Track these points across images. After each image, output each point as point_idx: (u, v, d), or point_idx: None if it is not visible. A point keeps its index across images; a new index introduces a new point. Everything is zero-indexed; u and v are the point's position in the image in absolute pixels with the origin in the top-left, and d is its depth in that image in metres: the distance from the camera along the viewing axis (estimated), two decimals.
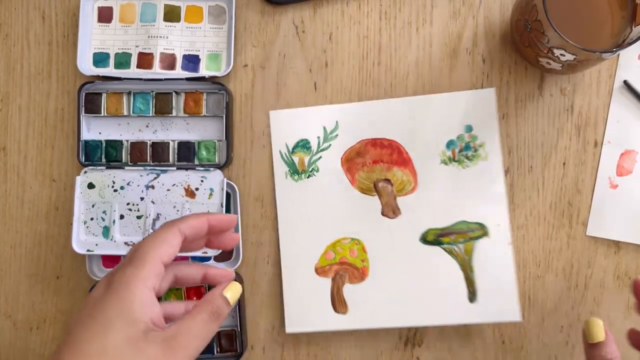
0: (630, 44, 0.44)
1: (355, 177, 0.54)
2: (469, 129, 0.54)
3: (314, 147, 0.54)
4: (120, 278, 0.37)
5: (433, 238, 0.54)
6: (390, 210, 0.54)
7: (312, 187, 0.54)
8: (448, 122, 0.54)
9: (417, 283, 0.53)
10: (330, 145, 0.54)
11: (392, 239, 0.54)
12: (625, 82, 0.54)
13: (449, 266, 0.53)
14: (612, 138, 0.54)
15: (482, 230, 0.53)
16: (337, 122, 0.54)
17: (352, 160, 0.54)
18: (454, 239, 0.53)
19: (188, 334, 0.38)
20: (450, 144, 0.54)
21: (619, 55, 0.54)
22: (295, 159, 0.54)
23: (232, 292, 0.41)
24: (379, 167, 0.54)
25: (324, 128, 0.54)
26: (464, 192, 0.53)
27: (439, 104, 0.54)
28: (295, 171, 0.54)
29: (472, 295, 0.53)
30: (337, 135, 0.54)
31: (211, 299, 0.40)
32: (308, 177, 0.54)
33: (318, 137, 0.54)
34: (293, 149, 0.54)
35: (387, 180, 0.54)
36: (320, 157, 0.54)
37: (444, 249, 0.54)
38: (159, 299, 0.53)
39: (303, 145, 0.54)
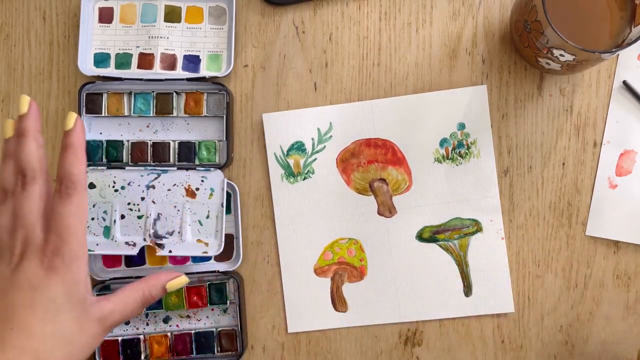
0: (629, 44, 0.45)
1: (351, 178, 0.54)
2: (461, 126, 0.54)
3: (309, 149, 0.54)
4: (60, 262, 0.38)
5: (429, 235, 0.54)
6: (387, 210, 0.54)
7: (308, 189, 0.54)
8: (441, 120, 0.54)
9: (415, 280, 0.54)
10: (324, 146, 0.54)
11: (389, 237, 0.54)
12: (624, 82, 0.54)
13: (444, 262, 0.54)
14: (611, 138, 0.54)
15: (476, 226, 0.54)
16: (330, 123, 0.54)
17: (347, 161, 0.54)
18: (449, 235, 0.54)
19: (120, 313, 0.41)
20: (443, 142, 0.54)
21: (618, 55, 0.54)
22: (291, 161, 0.54)
23: (176, 284, 0.44)
24: (373, 167, 0.54)
25: (318, 129, 0.54)
26: (458, 189, 0.54)
27: (431, 102, 0.54)
28: (291, 174, 0.54)
29: (467, 290, 0.54)
30: (331, 136, 0.54)
31: (152, 283, 0.43)
32: (304, 179, 0.54)
33: (312, 139, 0.54)
34: (288, 151, 0.54)
35: (383, 180, 0.54)
36: (315, 158, 0.54)
37: (440, 246, 0.54)
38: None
39: (298, 147, 0.54)
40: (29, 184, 0.40)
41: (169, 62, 0.54)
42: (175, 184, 0.53)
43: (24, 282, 0.38)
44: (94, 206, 0.53)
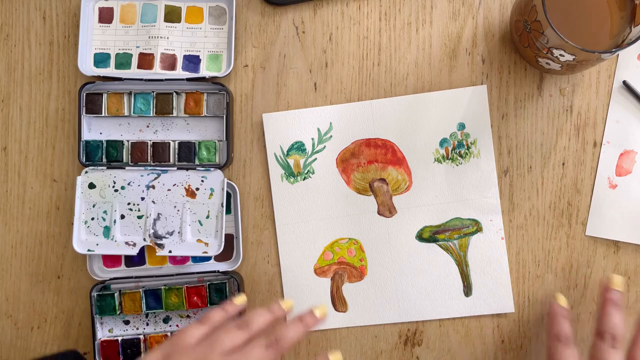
0: (629, 44, 0.45)
1: (351, 178, 0.54)
2: (461, 126, 0.54)
3: (309, 149, 0.54)
4: None
5: (429, 235, 0.54)
6: (387, 210, 0.54)
7: (308, 189, 0.54)
8: (441, 120, 0.54)
9: (415, 280, 0.54)
10: (324, 146, 0.54)
11: (389, 237, 0.54)
12: (624, 82, 0.54)
13: (444, 262, 0.54)
14: (611, 138, 0.54)
15: (476, 226, 0.54)
16: (330, 123, 0.54)
17: (347, 161, 0.54)
18: (449, 235, 0.54)
19: None
20: (443, 142, 0.54)
21: (618, 55, 0.54)
22: (291, 161, 0.54)
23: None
24: (373, 167, 0.54)
25: (318, 129, 0.54)
26: (458, 189, 0.54)
27: (431, 103, 0.54)
28: (291, 174, 0.54)
29: (467, 290, 0.54)
30: (331, 136, 0.54)
31: None
32: (304, 179, 0.54)
33: (312, 139, 0.54)
34: (288, 151, 0.54)
35: (383, 180, 0.54)
36: (315, 158, 0.54)
37: (440, 246, 0.54)
38: (160, 297, 0.53)
39: (298, 147, 0.54)
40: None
41: (169, 62, 0.54)
42: (175, 184, 0.53)
43: None
44: (93, 206, 0.53)
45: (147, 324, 0.54)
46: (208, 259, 0.54)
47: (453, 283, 0.54)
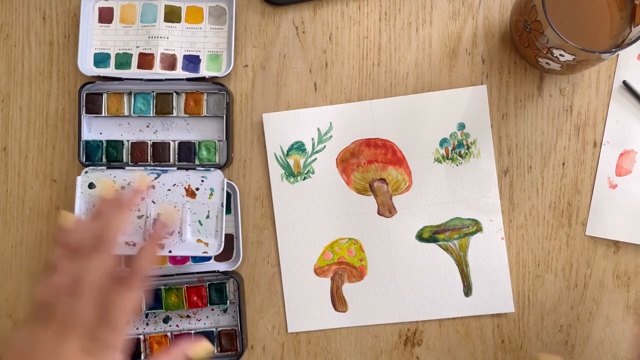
0: (629, 44, 0.45)
1: (351, 178, 0.54)
2: (461, 126, 0.54)
3: (309, 148, 0.54)
4: (101, 347, 0.37)
5: (429, 235, 0.54)
6: (386, 210, 0.54)
7: (308, 189, 0.54)
8: (441, 120, 0.54)
9: (414, 280, 0.54)
10: (324, 146, 0.54)
11: (389, 237, 0.54)
12: (624, 82, 0.54)
13: (444, 262, 0.54)
14: (611, 138, 0.54)
15: (476, 226, 0.54)
16: (330, 123, 0.54)
17: (347, 161, 0.54)
18: (449, 235, 0.54)
19: None
20: (443, 142, 0.54)
21: (618, 55, 0.54)
22: (291, 161, 0.54)
23: (200, 353, 0.42)
24: (373, 167, 0.54)
25: (318, 129, 0.54)
26: (458, 189, 0.54)
27: (431, 103, 0.54)
28: (291, 174, 0.54)
29: (467, 290, 0.54)
30: (331, 136, 0.54)
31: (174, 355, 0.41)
32: (304, 179, 0.54)
33: (312, 139, 0.54)
34: (288, 151, 0.54)
35: (383, 180, 0.54)
36: (315, 158, 0.54)
37: (440, 246, 0.54)
38: (160, 297, 0.53)
39: (298, 147, 0.54)
40: (103, 252, 0.40)
41: (169, 62, 0.54)
42: (175, 184, 0.53)
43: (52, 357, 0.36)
44: (93, 206, 0.53)
45: (147, 324, 0.54)
46: (208, 259, 0.54)
47: (453, 283, 0.54)
